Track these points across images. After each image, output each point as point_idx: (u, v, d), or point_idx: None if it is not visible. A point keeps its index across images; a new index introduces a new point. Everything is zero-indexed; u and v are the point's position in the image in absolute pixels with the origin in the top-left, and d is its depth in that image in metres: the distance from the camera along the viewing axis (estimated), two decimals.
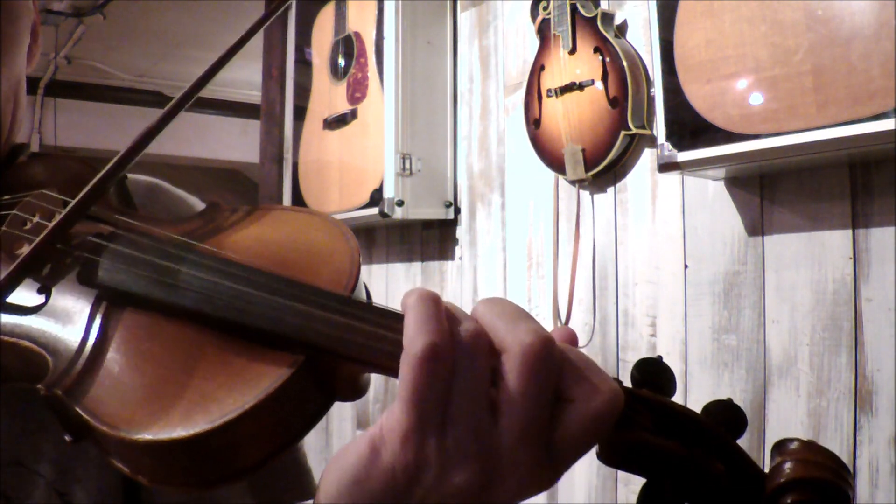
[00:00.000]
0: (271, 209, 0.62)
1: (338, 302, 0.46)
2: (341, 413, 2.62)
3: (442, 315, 0.42)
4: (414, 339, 0.40)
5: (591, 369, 0.42)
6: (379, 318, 0.45)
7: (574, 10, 1.88)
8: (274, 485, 0.68)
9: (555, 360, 0.41)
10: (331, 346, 0.45)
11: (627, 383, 0.47)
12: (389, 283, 2.56)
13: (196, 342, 0.49)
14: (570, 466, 0.42)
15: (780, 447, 0.44)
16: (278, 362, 0.45)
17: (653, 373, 0.47)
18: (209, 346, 0.48)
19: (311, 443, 2.54)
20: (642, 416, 0.44)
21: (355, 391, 0.49)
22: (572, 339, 0.45)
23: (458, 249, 2.36)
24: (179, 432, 0.44)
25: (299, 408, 0.47)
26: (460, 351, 0.40)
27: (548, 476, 0.42)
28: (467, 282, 2.31)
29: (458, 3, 2.42)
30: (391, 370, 0.43)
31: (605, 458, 0.45)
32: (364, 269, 2.81)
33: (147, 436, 0.44)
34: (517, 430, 0.40)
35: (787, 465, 0.43)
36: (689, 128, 1.52)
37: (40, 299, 0.53)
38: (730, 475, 0.44)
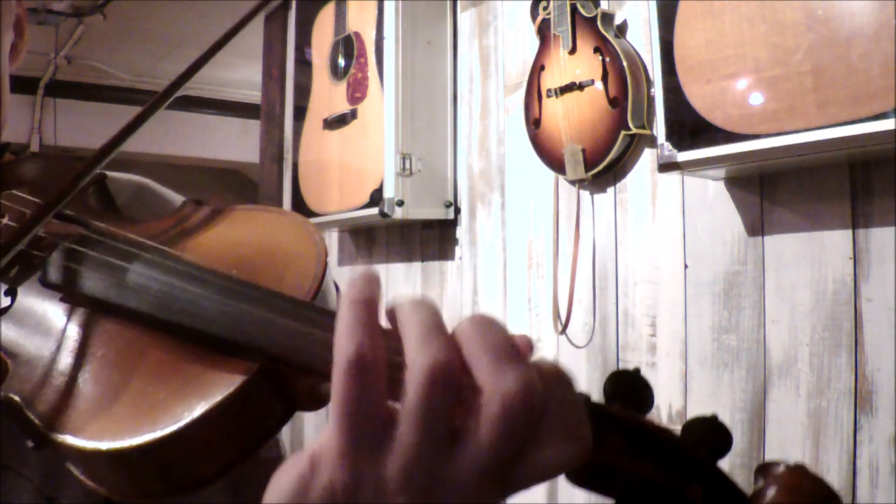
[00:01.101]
0: (241, 209, 0.60)
1: (295, 307, 0.45)
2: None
3: (375, 320, 0.39)
4: (342, 346, 0.38)
5: (571, 417, 0.39)
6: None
7: (574, 10, 1.88)
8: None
9: (536, 413, 0.37)
10: (282, 354, 0.43)
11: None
12: (389, 284, 2.56)
13: (151, 347, 0.48)
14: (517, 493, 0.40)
15: (765, 470, 0.42)
16: (232, 370, 0.44)
17: (626, 387, 0.43)
18: (163, 353, 0.47)
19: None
20: (612, 437, 0.41)
21: (317, 401, 0.47)
22: (528, 347, 0.42)
23: (458, 249, 2.36)
24: (127, 441, 0.43)
25: (255, 417, 0.46)
26: (423, 382, 0.37)
27: (493, 502, 0.39)
28: (467, 282, 2.31)
29: (458, 3, 2.42)
30: None
31: (573, 478, 0.42)
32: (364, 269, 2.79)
33: (96, 444, 0.43)
34: (475, 471, 0.37)
35: (770, 492, 0.40)
36: (689, 128, 1.52)
37: (6, 302, 0.53)
38: (707, 500, 0.42)
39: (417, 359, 0.37)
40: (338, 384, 0.37)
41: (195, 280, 0.48)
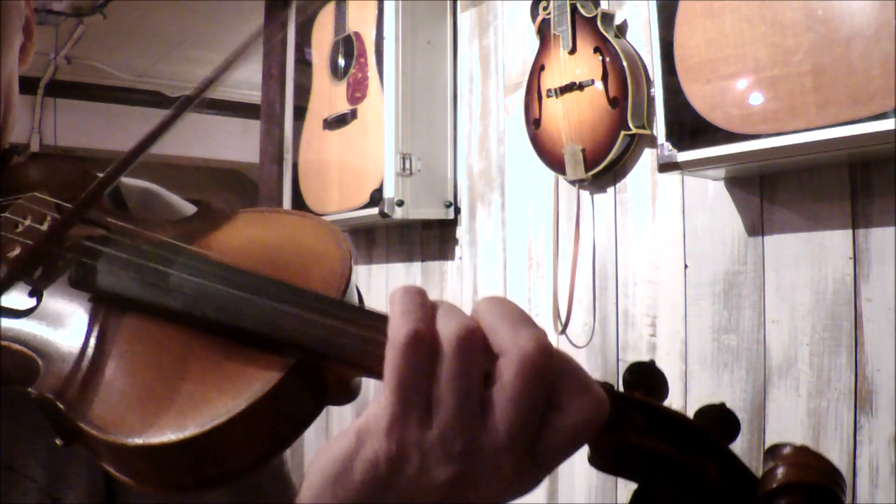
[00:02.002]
0: (263, 211, 0.62)
1: (328, 304, 0.46)
2: (342, 415, 2.63)
3: (426, 305, 0.42)
4: (397, 326, 0.41)
5: (581, 377, 0.42)
6: (369, 321, 0.45)
7: (574, 10, 1.88)
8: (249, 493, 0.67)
9: (552, 370, 0.41)
10: (321, 349, 0.45)
11: (620, 387, 0.47)
12: (389, 284, 2.56)
13: (187, 345, 0.48)
14: (553, 470, 0.43)
15: (773, 452, 0.45)
16: (269, 366, 0.45)
17: (645, 376, 0.47)
18: (200, 349, 0.48)
19: (312, 446, 2.54)
20: (634, 420, 0.44)
21: (347, 395, 0.49)
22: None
23: (458, 249, 2.36)
24: (170, 436, 0.44)
25: (290, 411, 0.47)
26: (455, 346, 0.40)
27: (530, 479, 0.42)
28: (467, 282, 2.31)
29: (458, 3, 2.42)
30: (380, 373, 0.43)
31: (597, 462, 0.45)
32: (364, 269, 2.79)
33: (137, 440, 0.44)
34: (505, 434, 0.40)
35: (780, 470, 0.43)
36: (689, 128, 1.52)
37: (31, 302, 0.53)
38: (722, 479, 0.45)
39: (446, 329, 0.41)
40: (393, 360, 0.40)
41: (228, 278, 0.49)
